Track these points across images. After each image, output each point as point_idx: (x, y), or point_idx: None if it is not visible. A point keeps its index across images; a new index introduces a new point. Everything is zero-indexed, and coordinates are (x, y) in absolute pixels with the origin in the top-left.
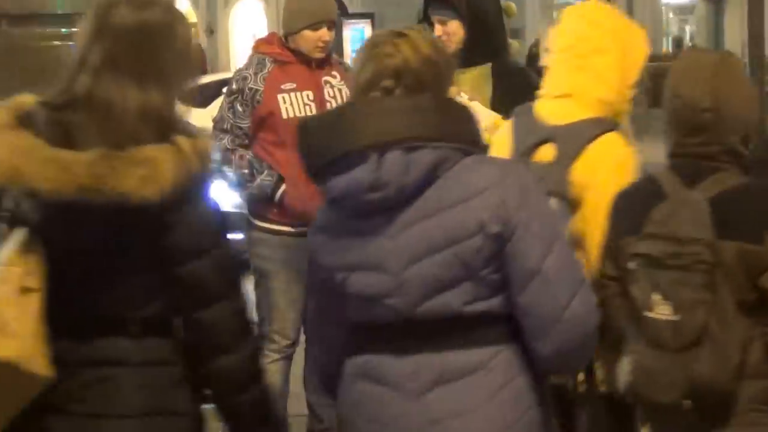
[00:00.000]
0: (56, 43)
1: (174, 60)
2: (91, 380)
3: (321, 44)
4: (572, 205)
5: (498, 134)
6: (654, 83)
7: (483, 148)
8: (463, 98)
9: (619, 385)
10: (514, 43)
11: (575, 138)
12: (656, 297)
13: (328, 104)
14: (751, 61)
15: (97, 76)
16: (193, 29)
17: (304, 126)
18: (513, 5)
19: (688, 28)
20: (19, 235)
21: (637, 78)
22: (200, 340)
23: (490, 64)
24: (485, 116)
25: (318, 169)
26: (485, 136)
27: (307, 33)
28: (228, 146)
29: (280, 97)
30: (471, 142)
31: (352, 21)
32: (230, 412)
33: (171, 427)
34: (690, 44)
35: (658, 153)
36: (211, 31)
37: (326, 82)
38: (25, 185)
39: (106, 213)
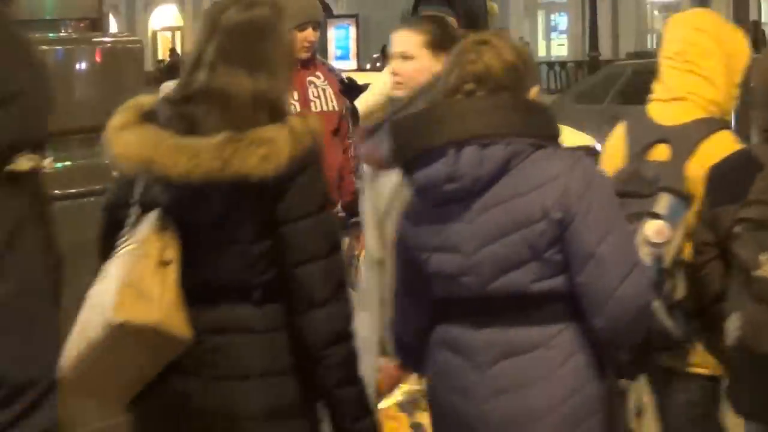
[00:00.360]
0: (44, 47)
1: (278, 50)
2: (217, 345)
3: (306, 44)
4: (687, 200)
5: (612, 137)
6: (635, 80)
7: (558, 142)
8: None
9: (729, 340)
10: None
11: (689, 136)
12: (764, 257)
13: (311, 104)
14: None
15: (212, 70)
16: (179, 33)
17: (394, 125)
18: (495, 6)
19: None
20: (154, 215)
21: (741, 78)
22: (296, 294)
23: None
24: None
25: (404, 163)
26: None
27: (294, 33)
28: None
29: None
30: (545, 137)
31: (337, 22)
32: (317, 369)
33: (286, 384)
34: None
35: None
36: None
37: (310, 82)
38: (157, 173)
39: (228, 189)
